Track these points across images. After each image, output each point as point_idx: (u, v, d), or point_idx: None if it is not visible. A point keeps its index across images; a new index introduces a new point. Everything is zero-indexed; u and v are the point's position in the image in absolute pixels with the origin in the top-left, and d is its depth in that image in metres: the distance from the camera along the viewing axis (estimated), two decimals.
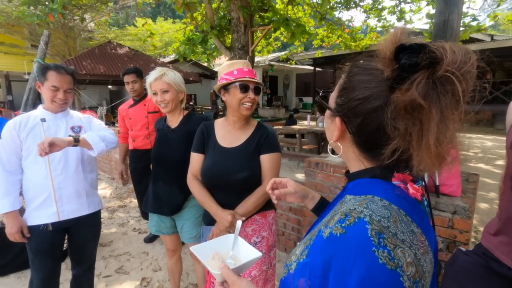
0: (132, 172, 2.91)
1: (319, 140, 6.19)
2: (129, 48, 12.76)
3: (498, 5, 6.23)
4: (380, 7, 8.36)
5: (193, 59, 8.14)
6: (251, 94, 1.27)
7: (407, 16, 7.85)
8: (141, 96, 2.78)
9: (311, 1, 8.23)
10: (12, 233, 1.48)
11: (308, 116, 7.11)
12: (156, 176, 1.71)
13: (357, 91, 0.52)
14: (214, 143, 1.38)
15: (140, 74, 2.74)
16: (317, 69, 15.46)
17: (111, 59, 11.32)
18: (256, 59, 13.59)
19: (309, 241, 0.58)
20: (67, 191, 1.56)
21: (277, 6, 7.95)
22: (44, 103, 1.61)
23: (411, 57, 0.45)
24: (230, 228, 1.27)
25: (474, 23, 5.63)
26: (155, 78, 1.57)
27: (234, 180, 1.29)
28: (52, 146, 1.34)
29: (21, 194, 1.57)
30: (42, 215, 1.53)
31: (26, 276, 2.39)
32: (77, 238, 1.67)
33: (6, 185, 1.47)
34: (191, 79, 12.43)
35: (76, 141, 1.45)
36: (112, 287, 2.29)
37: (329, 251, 0.47)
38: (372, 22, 9.11)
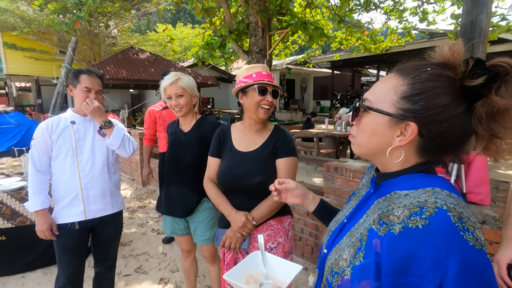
0: (160, 175, 2.92)
1: (337, 144, 6.08)
2: (150, 53, 13.16)
3: None
4: (401, 8, 8.14)
5: (211, 63, 8.28)
6: (269, 97, 1.27)
7: (430, 17, 7.61)
8: None
9: (330, 4, 8.17)
10: (42, 231, 1.55)
11: (326, 120, 7.01)
12: (169, 179, 1.74)
13: (440, 97, 0.54)
14: (230, 147, 1.38)
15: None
16: (335, 72, 15.26)
17: (133, 63, 11.72)
18: (274, 62, 13.60)
19: (358, 243, 0.59)
20: (94, 191, 1.62)
21: (295, 9, 7.94)
22: (73, 107, 1.69)
23: (488, 69, 0.52)
24: (243, 230, 1.26)
25: (503, 23, 5.37)
26: (171, 83, 1.60)
27: (249, 184, 1.29)
28: (96, 110, 1.55)
29: (49, 193, 1.65)
30: (70, 213, 1.59)
31: (52, 272, 2.49)
32: (101, 237, 1.72)
33: (37, 184, 1.56)
34: (209, 82, 12.62)
35: (108, 125, 1.62)
36: (131, 286, 2.34)
37: (409, 245, 0.49)
38: (393, 23, 8.91)
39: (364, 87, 17.53)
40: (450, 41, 0.56)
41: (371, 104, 0.60)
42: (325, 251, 0.71)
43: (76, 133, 1.60)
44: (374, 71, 17.22)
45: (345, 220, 0.70)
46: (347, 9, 7.07)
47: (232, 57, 8.02)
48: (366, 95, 0.63)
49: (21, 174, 2.86)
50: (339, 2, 7.67)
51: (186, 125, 1.71)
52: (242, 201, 1.34)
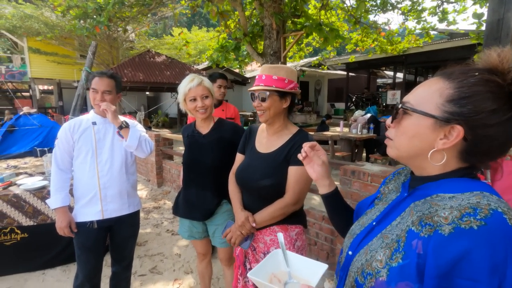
0: None
1: (353, 147, 5.97)
2: (166, 56, 13.42)
3: None
4: (420, 8, 7.94)
5: (225, 65, 8.34)
6: (256, 102, 1.26)
7: (450, 17, 7.38)
8: (220, 101, 2.82)
9: (345, 5, 8.07)
10: (61, 227, 1.60)
11: (341, 122, 6.91)
12: (188, 182, 1.74)
13: (489, 101, 0.54)
14: (252, 146, 1.39)
15: (226, 79, 2.79)
16: (350, 74, 15.05)
17: (149, 67, 11.99)
18: (288, 64, 13.56)
19: (395, 244, 0.58)
20: (111, 191, 1.66)
21: (309, 11, 7.89)
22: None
23: None
24: (242, 229, 1.28)
25: None
26: (197, 84, 1.58)
27: (257, 186, 1.28)
28: (111, 112, 1.57)
29: (70, 192, 1.69)
30: (88, 212, 1.64)
31: (71, 269, 2.56)
32: (118, 236, 1.75)
33: (59, 182, 1.61)
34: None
35: (122, 127, 1.63)
36: (146, 286, 2.36)
37: (460, 246, 0.48)
38: (411, 24, 8.70)
39: (380, 89, 17.17)
40: (497, 48, 0.57)
41: (413, 106, 0.60)
42: (350, 253, 0.70)
43: (96, 134, 1.64)
44: (391, 73, 16.85)
45: (374, 223, 0.69)
46: (363, 10, 6.96)
47: (246, 60, 8.05)
48: (407, 98, 0.62)
49: (43, 173, 2.96)
50: (355, 3, 7.56)
51: (204, 127, 1.70)
52: (251, 201, 1.35)
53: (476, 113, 0.54)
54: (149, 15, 12.36)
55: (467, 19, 7.32)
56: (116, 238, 1.76)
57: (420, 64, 13.60)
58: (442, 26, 7.98)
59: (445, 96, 0.57)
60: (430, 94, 0.59)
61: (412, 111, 0.60)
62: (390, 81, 17.17)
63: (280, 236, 0.82)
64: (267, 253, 1.30)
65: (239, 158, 1.45)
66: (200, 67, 15.63)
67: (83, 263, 1.66)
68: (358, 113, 7.26)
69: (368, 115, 6.50)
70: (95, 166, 1.62)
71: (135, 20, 11.30)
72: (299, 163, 1.20)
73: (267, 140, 1.35)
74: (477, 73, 0.56)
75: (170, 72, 12.01)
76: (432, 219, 0.54)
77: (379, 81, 19.47)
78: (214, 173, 1.64)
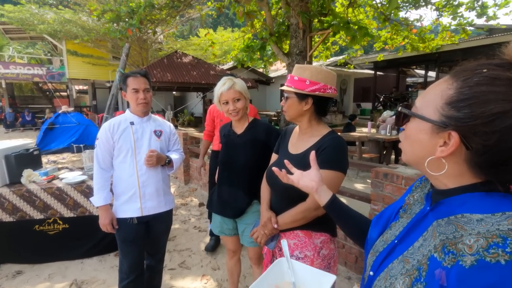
0: (209, 171, 3.05)
1: (381, 148, 5.78)
2: (192, 57, 13.75)
3: None
4: (456, 3, 7.50)
5: (250, 65, 8.39)
6: (283, 101, 1.27)
7: (490, 11, 6.89)
8: None
9: (374, 2, 7.82)
10: (104, 224, 1.68)
11: (369, 123, 6.70)
12: (222, 180, 1.79)
13: (491, 104, 0.46)
14: (285, 146, 1.39)
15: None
16: (378, 73, 14.55)
17: (177, 67, 12.34)
18: (313, 64, 13.38)
19: (416, 272, 0.52)
20: (149, 189, 1.73)
21: (336, 9, 7.72)
22: (130, 108, 1.81)
23: None
24: (265, 228, 1.29)
25: None
26: (229, 88, 1.62)
27: (282, 186, 1.23)
28: (154, 162, 1.68)
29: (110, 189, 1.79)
30: (128, 209, 1.72)
31: (106, 260, 2.71)
32: (153, 232, 1.83)
33: (101, 181, 1.69)
34: (248, 84, 12.84)
35: (169, 162, 1.77)
36: (176, 280, 2.45)
37: (484, 281, 0.41)
38: (445, 20, 8.23)
39: (409, 89, 16.46)
40: None
41: (417, 109, 0.56)
42: (371, 273, 0.65)
43: (134, 134, 1.71)
44: (422, 72, 16.09)
45: (396, 241, 0.63)
46: (394, 7, 6.70)
47: (271, 59, 8.05)
48: (417, 99, 0.58)
49: (82, 168, 3.16)
50: (385, 0, 7.31)
51: (239, 128, 1.74)
52: (278, 201, 1.35)
53: (471, 118, 0.47)
54: (177, 17, 12.75)
55: (510, 13, 6.79)
56: (151, 233, 1.84)
57: (454, 62, 12.84)
58: (481, 21, 7.48)
59: (446, 98, 0.51)
60: (434, 95, 0.53)
61: (410, 114, 0.56)
62: (421, 80, 16.40)
63: (284, 243, 0.78)
64: (291, 257, 1.30)
65: (273, 158, 1.46)
66: (225, 67, 15.84)
67: (126, 254, 1.75)
68: (386, 113, 7.01)
69: None
70: (134, 165, 1.69)
71: (164, 22, 11.71)
72: (324, 166, 1.18)
73: (298, 141, 1.35)
74: (485, 70, 0.48)
75: (196, 72, 12.30)
76: (456, 246, 0.47)
77: (409, 80, 18.66)
78: (246, 172, 1.67)
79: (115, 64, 13.99)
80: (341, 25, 5.92)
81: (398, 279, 0.55)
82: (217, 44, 10.54)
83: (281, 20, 6.94)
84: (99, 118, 10.28)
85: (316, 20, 6.31)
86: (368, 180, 5.27)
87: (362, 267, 2.34)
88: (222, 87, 1.63)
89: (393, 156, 6.16)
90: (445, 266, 0.46)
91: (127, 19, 7.92)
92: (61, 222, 2.66)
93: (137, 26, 7.19)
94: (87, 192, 2.67)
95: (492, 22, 7.21)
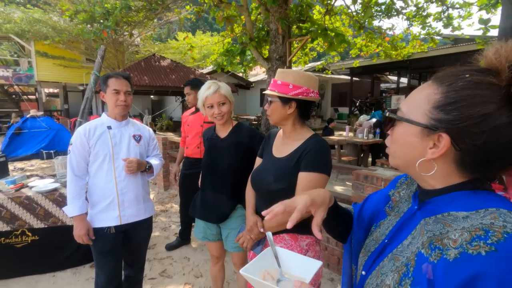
0: (180, 177, 3.01)
1: (359, 151, 5.96)
2: (171, 60, 13.53)
3: None
4: (424, 14, 7.96)
5: (230, 70, 8.39)
6: (267, 106, 1.27)
7: (455, 22, 7.37)
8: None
9: (350, 11, 8.12)
10: (80, 235, 1.58)
11: (347, 127, 6.91)
12: (205, 184, 1.76)
13: (478, 106, 0.48)
14: (269, 150, 1.39)
15: (195, 87, 2.82)
16: (354, 78, 15.07)
17: (155, 71, 12.09)
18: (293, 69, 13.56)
19: (404, 268, 0.54)
20: (129, 196, 1.66)
21: (314, 16, 7.93)
22: (107, 111, 1.74)
23: None
24: (251, 233, 1.29)
25: None
26: (214, 91, 1.60)
27: (267, 189, 1.28)
28: (135, 168, 1.63)
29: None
30: (106, 218, 1.63)
31: (81, 272, 2.56)
32: (133, 240, 1.76)
33: (76, 189, 1.59)
34: None
35: (149, 168, 1.72)
36: None
37: (466, 273, 0.43)
38: (415, 29, 8.71)
39: (383, 94, 17.18)
40: (498, 43, 0.50)
41: (403, 114, 0.57)
42: (363, 273, 0.67)
43: (112, 138, 1.64)
44: (394, 78, 16.86)
45: (386, 240, 0.65)
46: (369, 16, 6.99)
47: (251, 64, 8.11)
48: (402, 104, 0.60)
49: (53, 176, 2.98)
50: (360, 9, 7.61)
51: (223, 131, 1.72)
52: (263, 205, 1.33)
53: (461, 120, 0.49)
54: (154, 20, 12.53)
55: (472, 24, 7.32)
56: (130, 242, 1.77)
57: (424, 69, 13.60)
58: (447, 31, 7.98)
59: (433, 102, 0.53)
60: (420, 100, 0.56)
61: (398, 119, 0.58)
62: (393, 85, 17.16)
63: (269, 234, 0.79)
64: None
65: (257, 162, 1.46)
66: (205, 71, 15.73)
67: (103, 265, 1.66)
68: (363, 117, 7.26)
69: (374, 119, 6.50)
70: (112, 171, 1.62)
71: (141, 24, 11.46)
72: (309, 169, 1.19)
73: (282, 144, 1.35)
74: (467, 75, 0.51)
75: (175, 76, 12.10)
76: (442, 241, 0.49)
77: (383, 85, 19.47)
78: (230, 176, 1.65)
79: (89, 67, 13.46)
80: (319, 31, 6.08)
81: (388, 276, 0.56)
82: (196, 48, 10.47)
83: (260, 26, 7.02)
84: (71, 123, 9.81)
85: (295, 26, 6.45)
86: (347, 183, 5.40)
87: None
88: (207, 90, 1.60)
89: (370, 159, 6.37)
90: (432, 261, 0.48)
91: (101, 21, 7.68)
92: (30, 234, 2.49)
93: (113, 28, 6.99)
94: (60, 200, 2.52)
95: (457, 32, 7.71)
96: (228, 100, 1.65)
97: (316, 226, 0.65)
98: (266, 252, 0.72)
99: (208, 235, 1.78)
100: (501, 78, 0.48)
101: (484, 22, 5.04)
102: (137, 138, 1.72)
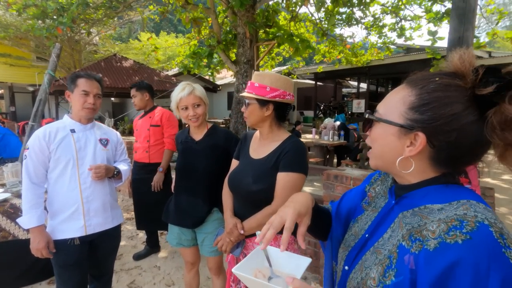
0: (131, 183, 2.92)
1: (325, 153, 6.20)
2: (134, 61, 12.96)
3: (497, 23, 6.41)
4: (381, 24, 8.56)
5: (197, 72, 8.28)
6: (244, 108, 1.30)
7: (407, 33, 8.04)
8: (149, 108, 2.79)
9: (313, 18, 8.47)
10: (39, 249, 1.42)
11: (313, 130, 7.16)
12: (179, 188, 1.71)
13: (448, 106, 0.53)
14: (246, 152, 1.39)
15: (141, 88, 2.73)
16: (318, 83, 15.68)
17: (116, 72, 11.48)
18: None
19: (387, 261, 0.56)
20: (95, 204, 1.55)
21: (280, 22, 8.14)
22: (69, 113, 1.62)
23: (501, 77, 0.50)
24: (230, 236, 1.29)
25: (474, 40, 5.78)
26: (189, 93, 1.57)
27: (246, 191, 1.28)
28: (103, 174, 1.53)
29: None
30: (69, 228, 1.50)
31: None
32: (100, 251, 1.64)
33: (33, 198, 1.44)
34: None
35: (117, 174, 1.63)
36: None
37: (446, 261, 0.47)
38: (373, 38, 9.32)
39: (345, 98, 18.07)
40: (461, 50, 0.55)
41: (381, 115, 0.61)
42: (346, 267, 0.69)
43: (76, 143, 1.52)
44: (355, 83, 17.85)
45: (367, 235, 0.67)
46: (332, 24, 7.34)
47: (218, 67, 8.07)
48: (378, 106, 0.64)
49: (2, 185, 2.69)
50: (323, 16, 7.96)
51: (198, 134, 1.69)
52: (241, 207, 1.35)
53: (435, 119, 0.54)
54: (115, 18, 11.92)
55: (422, 35, 8.04)
56: (96, 253, 1.64)
57: (381, 75, 14.61)
58: (401, 41, 8.67)
59: (408, 104, 0.57)
60: (395, 102, 0.59)
61: (377, 120, 0.61)
62: (354, 90, 18.15)
63: (258, 233, 0.82)
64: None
65: (234, 164, 1.45)
66: (170, 73, 15.31)
67: (66, 280, 1.52)
68: (328, 120, 7.58)
69: (338, 122, 6.81)
70: (76, 177, 1.50)
71: (101, 22, 10.83)
72: (287, 169, 1.22)
73: (259, 146, 1.37)
74: (437, 78, 0.56)
75: (138, 77, 11.60)
76: (421, 233, 0.53)
77: (344, 90, 20.49)
78: (206, 180, 1.62)
79: (41, 66, 12.36)
80: (286, 37, 6.25)
81: (372, 269, 0.59)
82: (160, 49, 10.15)
83: (228, 29, 7.03)
84: (19, 127, 8.92)
85: (262, 31, 6.55)
86: (315, 183, 5.58)
87: (317, 266, 2.45)
88: (181, 92, 1.57)
89: (335, 160, 6.66)
90: (413, 252, 0.52)
91: (55, 16, 7.13)
92: None
93: (69, 25, 6.54)
94: (11, 212, 2.28)
95: (409, 42, 8.41)
96: (203, 102, 1.62)
97: (301, 236, 0.66)
98: (257, 251, 0.72)
99: (183, 241, 1.73)
100: (467, 80, 0.53)
101: (432, 33, 5.58)
102: (104, 142, 1.62)
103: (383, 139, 0.61)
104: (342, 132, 6.28)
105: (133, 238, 3.31)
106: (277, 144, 1.30)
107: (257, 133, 1.41)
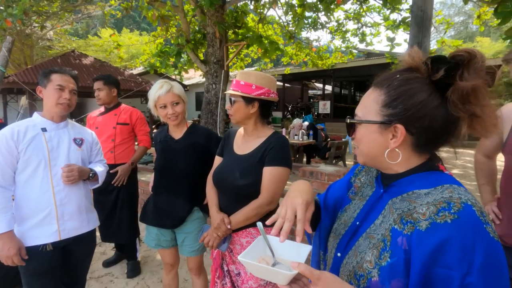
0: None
1: (295, 152, 6.38)
2: (95, 58, 12.21)
3: (445, 32, 7.09)
4: (344, 29, 9.02)
5: (164, 72, 8.06)
6: (229, 105, 1.33)
7: (368, 39, 8.57)
8: (113, 105, 2.55)
9: (281, 21, 8.68)
10: (9, 256, 1.31)
11: (283, 130, 7.32)
12: (158, 188, 1.67)
13: (415, 96, 0.60)
14: (230, 148, 1.41)
15: (109, 82, 2.49)
16: (286, 84, 16.05)
17: (75, 69, 10.69)
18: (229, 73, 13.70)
19: (382, 244, 0.62)
20: (70, 207, 1.46)
21: (248, 24, 8.21)
22: (39, 111, 1.51)
23: (448, 62, 0.58)
24: (218, 231, 1.29)
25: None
26: (167, 91, 1.54)
27: (233, 186, 1.31)
28: (77, 177, 1.45)
29: None
30: (40, 234, 1.40)
31: None
32: (74, 257, 1.55)
33: (1, 202, 1.33)
34: None
35: (93, 176, 1.54)
36: None
37: (436, 239, 0.53)
38: (337, 42, 9.79)
39: (311, 100, 18.71)
40: (408, 50, 0.65)
41: (360, 117, 0.68)
42: (339, 254, 0.73)
43: (48, 142, 1.43)
44: (320, 85, 18.56)
45: (358, 223, 0.72)
46: (301, 28, 7.57)
47: (186, 67, 7.92)
48: (356, 110, 0.70)
49: None
50: (291, 20, 8.19)
51: (178, 133, 1.66)
52: (227, 202, 1.37)
53: (407, 110, 0.60)
54: (72, 12, 11.14)
55: (381, 41, 8.62)
56: (69, 259, 1.55)
57: (344, 78, 15.38)
58: (362, 46, 9.21)
59: (380, 102, 0.64)
60: (369, 103, 0.66)
61: (358, 122, 0.68)
62: (320, 92, 18.87)
63: (259, 224, 0.84)
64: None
65: (217, 160, 1.46)
66: (135, 71, 14.68)
67: None
68: (296, 121, 7.80)
69: (306, 122, 7.05)
70: (48, 179, 1.40)
71: (56, 16, 10.06)
72: (273, 163, 1.26)
73: (244, 142, 1.40)
74: (398, 76, 0.63)
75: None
76: (412, 216, 0.58)
77: (310, 92, 21.20)
78: (187, 179, 1.61)
79: None
80: (255, 38, 6.33)
81: (368, 253, 0.64)
82: (124, 46, 9.70)
83: (196, 28, 6.94)
84: None
85: (231, 31, 6.57)
86: (288, 182, 5.71)
87: None
88: (159, 90, 1.54)
89: (304, 159, 6.88)
90: (406, 233, 0.58)
91: (2, 7, 6.51)
92: None
93: (20, 17, 6.01)
94: None
95: (370, 47, 8.97)
96: (182, 100, 1.61)
97: (307, 222, 0.70)
98: (258, 241, 0.74)
99: (162, 242, 1.70)
100: (421, 72, 0.61)
101: (390, 40, 6.02)
102: (79, 142, 1.53)
103: (367, 138, 0.67)
104: (311, 132, 6.51)
105: (101, 244, 3.13)
106: (261, 140, 1.34)
107: (240, 130, 1.44)
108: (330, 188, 0.96)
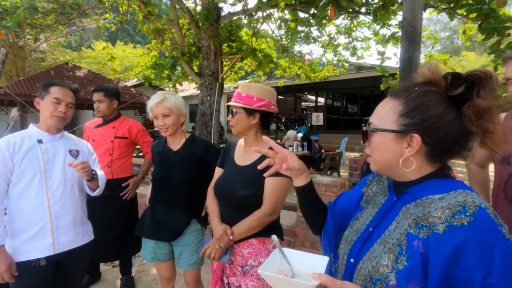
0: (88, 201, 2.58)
1: None
2: (88, 70, 12.19)
3: (433, 47, 7.34)
4: (335, 43, 9.26)
5: (158, 84, 8.09)
6: (230, 117, 1.35)
7: (359, 52, 8.81)
8: (112, 117, 2.45)
9: (274, 35, 8.87)
10: (0, 272, 1.27)
11: (278, 141, 7.35)
12: (156, 200, 1.66)
13: (432, 108, 0.63)
14: (231, 159, 1.41)
15: (110, 94, 2.40)
16: (279, 97, 16.25)
17: (68, 81, 10.66)
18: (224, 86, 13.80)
19: (398, 248, 0.63)
20: (65, 220, 1.43)
21: (242, 37, 8.36)
22: (34, 122, 1.50)
23: (465, 79, 0.62)
24: (220, 242, 1.28)
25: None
26: (156, 103, 1.58)
27: (235, 196, 1.31)
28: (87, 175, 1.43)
29: None
30: (34, 248, 1.36)
31: None
32: (68, 272, 1.51)
33: None
34: None
35: (94, 178, 1.51)
36: None
37: (454, 241, 0.54)
38: (329, 56, 10.03)
39: (304, 112, 18.93)
40: (429, 63, 0.67)
41: (376, 126, 0.70)
42: (352, 260, 0.73)
43: (44, 154, 1.41)
44: (313, 97, 18.84)
45: (371, 229, 0.73)
46: (294, 41, 7.75)
47: (181, 79, 7.97)
48: (371, 119, 0.72)
49: None
50: (284, 34, 8.38)
51: (175, 144, 1.67)
52: (229, 213, 1.36)
53: (424, 120, 0.63)
54: (64, 26, 11.18)
55: (371, 55, 8.85)
56: (63, 273, 1.50)
57: (336, 90, 15.65)
58: (353, 59, 9.45)
59: (398, 112, 0.66)
60: (386, 112, 0.68)
61: (375, 130, 0.69)
62: (312, 104, 19.12)
63: (275, 237, 0.83)
64: (245, 267, 1.32)
65: (218, 172, 1.46)
66: (129, 84, 14.69)
67: None
68: (290, 132, 7.86)
69: (300, 134, 7.11)
70: (44, 192, 1.38)
71: (50, 29, 10.09)
72: (275, 174, 1.29)
73: (245, 153, 1.41)
74: (416, 88, 0.66)
75: (93, 88, 10.90)
76: (427, 220, 0.59)
77: (303, 104, 21.47)
78: (185, 190, 1.61)
79: None
80: (249, 51, 6.44)
81: (383, 257, 0.65)
82: (117, 59, 9.73)
83: (191, 41, 7.04)
84: None
85: (226, 45, 6.68)
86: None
87: None
88: (152, 101, 1.59)
89: None
90: (422, 237, 0.59)
91: None
92: None
93: (13, 29, 6.02)
94: None
95: (361, 61, 9.20)
96: (174, 112, 1.61)
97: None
98: (274, 254, 0.74)
99: (159, 255, 1.66)
100: (440, 86, 0.64)
101: (381, 53, 6.20)
102: (74, 154, 1.52)
103: (383, 146, 0.69)
104: (305, 143, 6.56)
105: None
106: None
107: (241, 141, 1.45)
108: (341, 197, 0.97)
